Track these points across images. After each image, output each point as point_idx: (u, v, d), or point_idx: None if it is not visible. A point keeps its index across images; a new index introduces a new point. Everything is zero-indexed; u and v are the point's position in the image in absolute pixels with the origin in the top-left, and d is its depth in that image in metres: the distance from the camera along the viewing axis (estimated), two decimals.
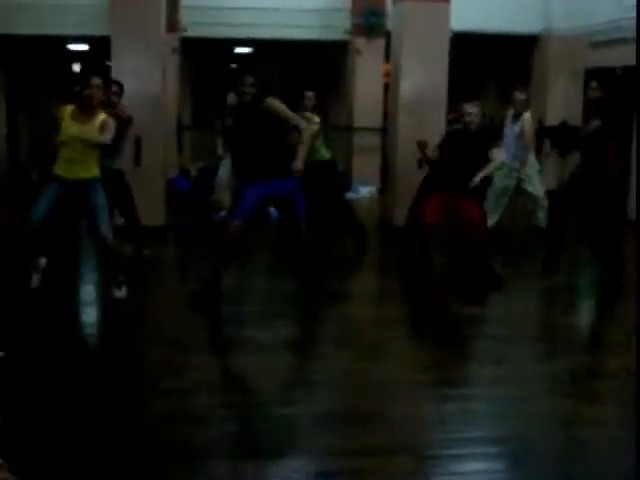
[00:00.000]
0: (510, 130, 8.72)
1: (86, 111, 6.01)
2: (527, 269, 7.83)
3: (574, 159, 7.67)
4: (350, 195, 12.70)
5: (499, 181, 8.70)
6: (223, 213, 9.86)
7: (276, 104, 6.12)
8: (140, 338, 5.56)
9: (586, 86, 7.28)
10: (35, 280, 6.34)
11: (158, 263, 7.97)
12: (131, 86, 8.91)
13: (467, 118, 7.16)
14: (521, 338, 5.68)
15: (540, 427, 4.19)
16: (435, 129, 8.69)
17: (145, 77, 8.95)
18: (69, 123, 5.98)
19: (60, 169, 6.07)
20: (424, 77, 9.09)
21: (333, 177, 8.86)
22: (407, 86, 9.26)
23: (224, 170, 9.81)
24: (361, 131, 12.85)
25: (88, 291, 6.96)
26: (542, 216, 8.95)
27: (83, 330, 5.87)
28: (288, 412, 4.30)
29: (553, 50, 12.83)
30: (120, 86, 7.44)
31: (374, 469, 3.69)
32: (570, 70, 12.65)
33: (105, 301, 6.46)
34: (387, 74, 11.33)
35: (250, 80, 5.99)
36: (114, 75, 9.00)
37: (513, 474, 3.76)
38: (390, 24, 10.69)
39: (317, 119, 8.78)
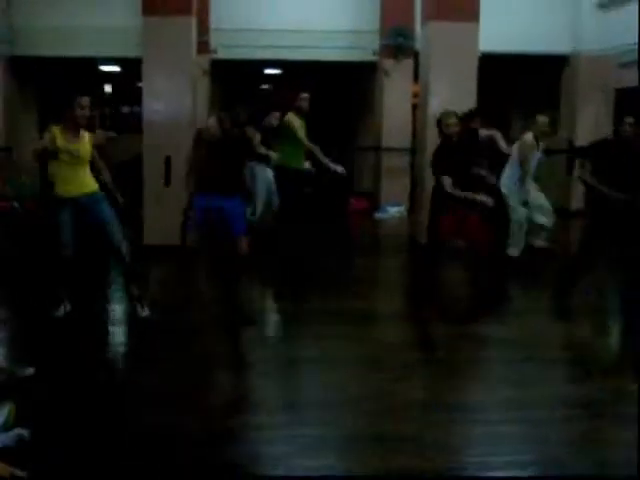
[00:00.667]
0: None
1: (74, 130, 6.09)
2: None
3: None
4: (378, 215, 12.74)
5: (520, 212, 8.73)
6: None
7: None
8: (173, 355, 5.59)
9: (619, 116, 7.07)
10: (61, 310, 6.33)
11: (189, 283, 8.01)
12: (162, 107, 9.08)
13: (445, 130, 6.94)
14: (545, 360, 5.64)
15: (571, 450, 4.14)
16: None
17: (176, 98, 9.06)
18: (63, 142, 6.03)
19: (60, 189, 6.14)
20: (452, 97, 9.06)
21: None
22: (435, 106, 9.25)
23: (261, 185, 9.90)
24: (389, 151, 12.86)
25: (114, 309, 6.99)
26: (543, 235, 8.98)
27: (112, 348, 5.91)
28: (316, 433, 4.29)
29: (583, 70, 12.79)
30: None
31: None
32: (600, 90, 12.61)
33: (134, 319, 6.50)
34: (416, 95, 11.35)
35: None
36: (145, 96, 9.15)
37: None
38: (418, 45, 10.73)
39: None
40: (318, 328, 6.28)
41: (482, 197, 6.87)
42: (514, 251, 8.66)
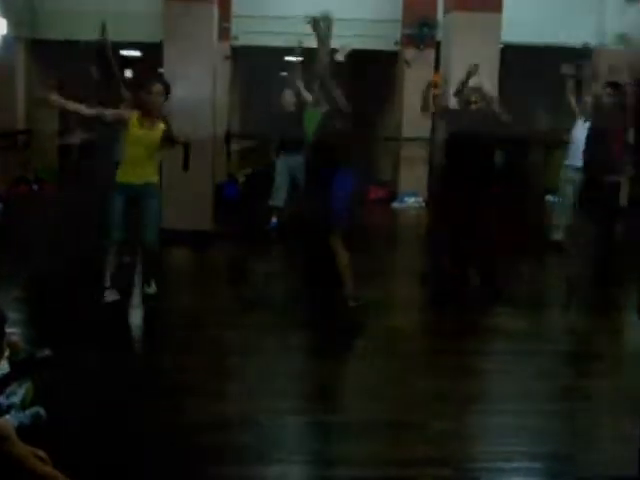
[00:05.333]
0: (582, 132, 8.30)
1: (148, 117, 6.19)
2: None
3: None
4: (396, 205, 12.70)
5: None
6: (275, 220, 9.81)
7: None
8: (182, 341, 5.62)
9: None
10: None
11: (203, 268, 8.04)
12: (182, 92, 9.04)
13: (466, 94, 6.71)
14: (564, 353, 5.64)
15: (585, 444, 4.14)
16: None
17: (196, 84, 9.04)
18: (135, 127, 6.17)
19: (125, 175, 6.25)
20: None
21: None
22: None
23: (281, 176, 9.66)
24: (408, 141, 12.81)
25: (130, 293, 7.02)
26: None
27: (123, 332, 5.96)
28: (330, 419, 4.31)
29: (605, 64, 12.64)
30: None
31: (412, 479, 3.68)
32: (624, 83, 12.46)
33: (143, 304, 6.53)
34: (436, 85, 11.27)
35: None
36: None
37: None
38: (440, 35, 10.66)
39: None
40: (335, 317, 6.30)
41: None
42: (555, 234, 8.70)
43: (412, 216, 12.12)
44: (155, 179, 6.40)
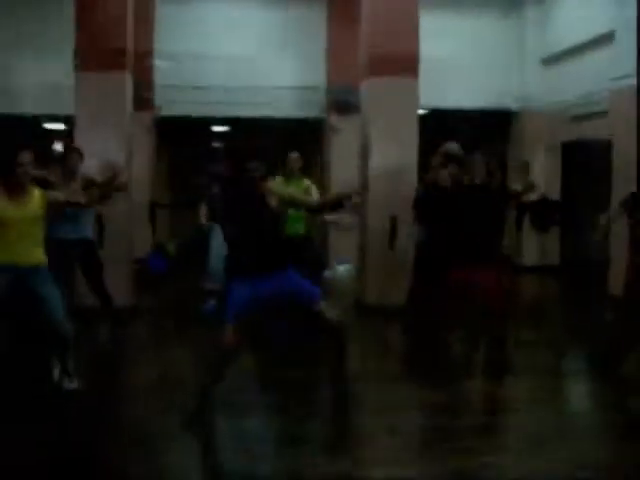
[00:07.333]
0: None
1: (18, 190, 5.55)
2: None
3: None
4: (327, 273, 12.39)
5: None
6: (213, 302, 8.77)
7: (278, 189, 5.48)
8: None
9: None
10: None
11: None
12: (94, 163, 8.69)
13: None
14: None
15: None
16: (404, 205, 8.50)
17: (108, 155, 8.64)
18: (3, 204, 5.50)
19: (2, 255, 5.55)
20: (393, 153, 8.93)
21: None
22: (376, 164, 9.08)
23: (217, 248, 8.56)
24: None
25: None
26: None
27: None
28: None
29: (530, 125, 12.80)
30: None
31: None
32: (548, 144, 12.61)
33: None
34: None
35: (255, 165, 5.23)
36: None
37: None
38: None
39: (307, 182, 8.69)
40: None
41: None
42: None
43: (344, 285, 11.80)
44: (42, 258, 5.72)
